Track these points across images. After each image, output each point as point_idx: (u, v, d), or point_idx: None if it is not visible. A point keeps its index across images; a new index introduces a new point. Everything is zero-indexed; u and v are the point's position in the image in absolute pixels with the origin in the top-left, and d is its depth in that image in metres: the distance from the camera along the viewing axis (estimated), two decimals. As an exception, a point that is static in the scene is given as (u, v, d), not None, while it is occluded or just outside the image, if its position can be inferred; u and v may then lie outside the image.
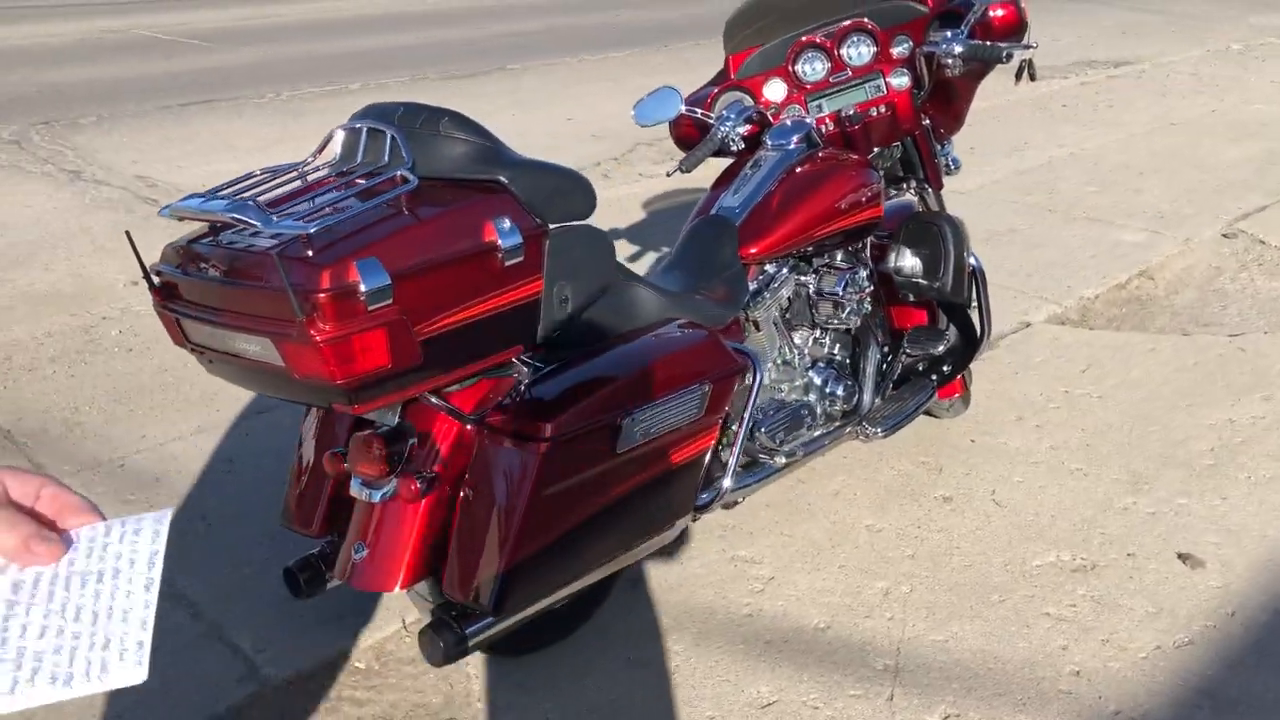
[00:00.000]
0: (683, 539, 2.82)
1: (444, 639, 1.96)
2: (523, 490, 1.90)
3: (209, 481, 3.10)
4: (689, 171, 2.81)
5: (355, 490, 2.00)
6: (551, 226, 1.95)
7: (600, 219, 2.10)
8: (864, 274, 2.76)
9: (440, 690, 2.34)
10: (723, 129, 2.77)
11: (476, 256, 1.82)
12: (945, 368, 3.00)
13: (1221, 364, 3.69)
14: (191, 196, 1.78)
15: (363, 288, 1.66)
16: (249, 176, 1.86)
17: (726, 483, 2.41)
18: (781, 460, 2.62)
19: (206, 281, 1.79)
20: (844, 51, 2.87)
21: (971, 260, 2.90)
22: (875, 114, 2.83)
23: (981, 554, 2.75)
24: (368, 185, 1.81)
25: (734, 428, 2.41)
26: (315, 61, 8.63)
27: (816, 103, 2.89)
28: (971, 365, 3.11)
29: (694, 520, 2.45)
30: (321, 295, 1.63)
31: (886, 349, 2.93)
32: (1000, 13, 2.88)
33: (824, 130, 2.84)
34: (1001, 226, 5.04)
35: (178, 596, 2.57)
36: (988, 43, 2.77)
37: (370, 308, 1.68)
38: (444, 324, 1.79)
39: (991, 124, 6.68)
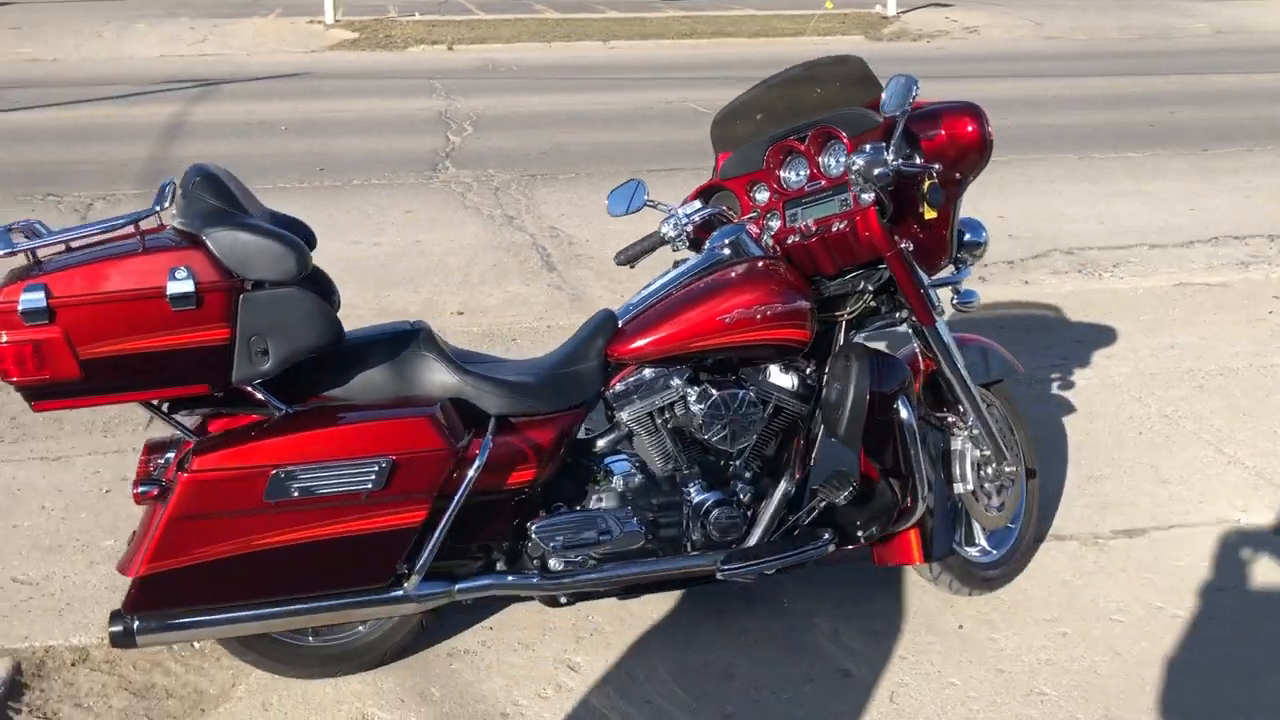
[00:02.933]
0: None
1: (115, 626, 2.38)
2: (164, 513, 2.27)
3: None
4: (625, 265, 2.92)
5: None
6: (250, 285, 2.27)
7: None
8: (745, 396, 2.67)
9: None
10: (663, 228, 2.85)
11: (142, 298, 2.20)
12: (858, 523, 2.76)
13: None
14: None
15: (19, 307, 2.14)
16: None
17: (421, 567, 2.50)
18: (536, 579, 2.65)
19: None
20: (823, 160, 2.79)
21: (902, 412, 2.66)
22: (836, 229, 2.69)
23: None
24: (110, 225, 2.30)
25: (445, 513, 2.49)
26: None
27: (793, 211, 2.84)
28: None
29: (422, 603, 2.56)
30: None
31: (794, 487, 2.78)
32: (940, 132, 2.61)
33: (789, 240, 2.77)
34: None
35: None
36: (889, 159, 2.55)
37: (27, 323, 2.15)
38: (109, 350, 2.20)
39: None
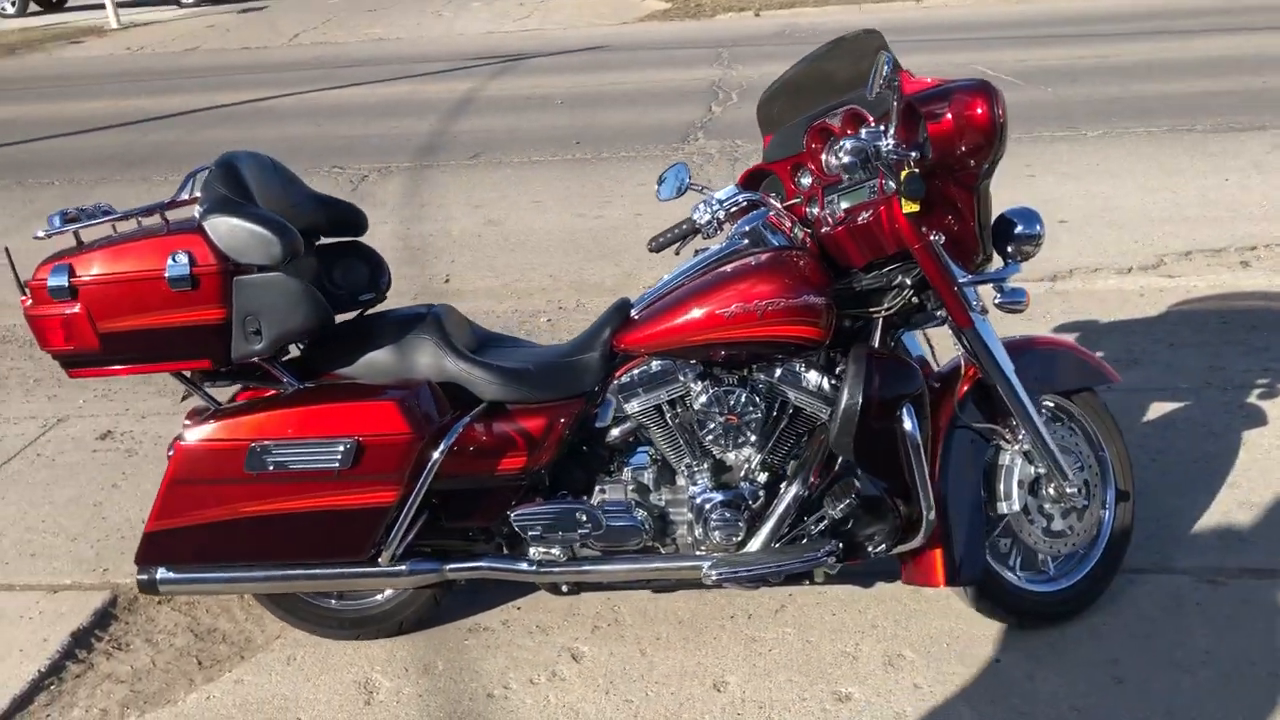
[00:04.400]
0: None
1: (142, 575, 2.62)
2: (164, 477, 2.47)
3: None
4: (656, 252, 2.86)
5: None
6: (242, 269, 2.42)
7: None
8: (743, 394, 2.54)
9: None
10: (695, 214, 2.77)
11: (146, 280, 2.41)
12: (864, 537, 2.56)
13: None
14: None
15: (49, 284, 2.40)
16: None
17: (393, 546, 2.59)
18: (525, 565, 2.66)
19: None
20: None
21: (905, 423, 2.44)
22: (862, 219, 2.50)
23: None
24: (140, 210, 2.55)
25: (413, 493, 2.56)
26: (1107, 104, 8.43)
27: (830, 198, 2.67)
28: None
29: (400, 573, 2.66)
30: (30, 284, 2.42)
31: (807, 493, 2.61)
32: (947, 115, 2.33)
33: (822, 230, 2.60)
34: None
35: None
36: (867, 146, 2.39)
37: (55, 300, 2.41)
38: (123, 325, 2.44)
39: None
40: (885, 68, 2.29)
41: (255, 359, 2.54)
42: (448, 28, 15.71)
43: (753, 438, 2.61)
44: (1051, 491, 2.72)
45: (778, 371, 2.60)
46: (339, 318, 2.77)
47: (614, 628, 2.90)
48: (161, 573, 2.66)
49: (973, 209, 2.47)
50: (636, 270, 5.63)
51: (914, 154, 2.38)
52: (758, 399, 2.59)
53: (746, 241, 2.66)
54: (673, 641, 2.84)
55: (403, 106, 10.15)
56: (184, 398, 2.72)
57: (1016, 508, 2.69)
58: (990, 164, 2.42)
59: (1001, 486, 2.69)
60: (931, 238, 2.49)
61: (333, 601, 2.88)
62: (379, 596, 2.88)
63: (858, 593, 2.95)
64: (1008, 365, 2.63)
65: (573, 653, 2.82)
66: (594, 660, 2.79)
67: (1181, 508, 3.25)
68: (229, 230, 2.44)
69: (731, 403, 2.57)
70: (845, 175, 2.48)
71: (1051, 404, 2.84)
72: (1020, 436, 2.68)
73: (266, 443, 2.49)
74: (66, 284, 2.45)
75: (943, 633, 2.79)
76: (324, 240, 2.87)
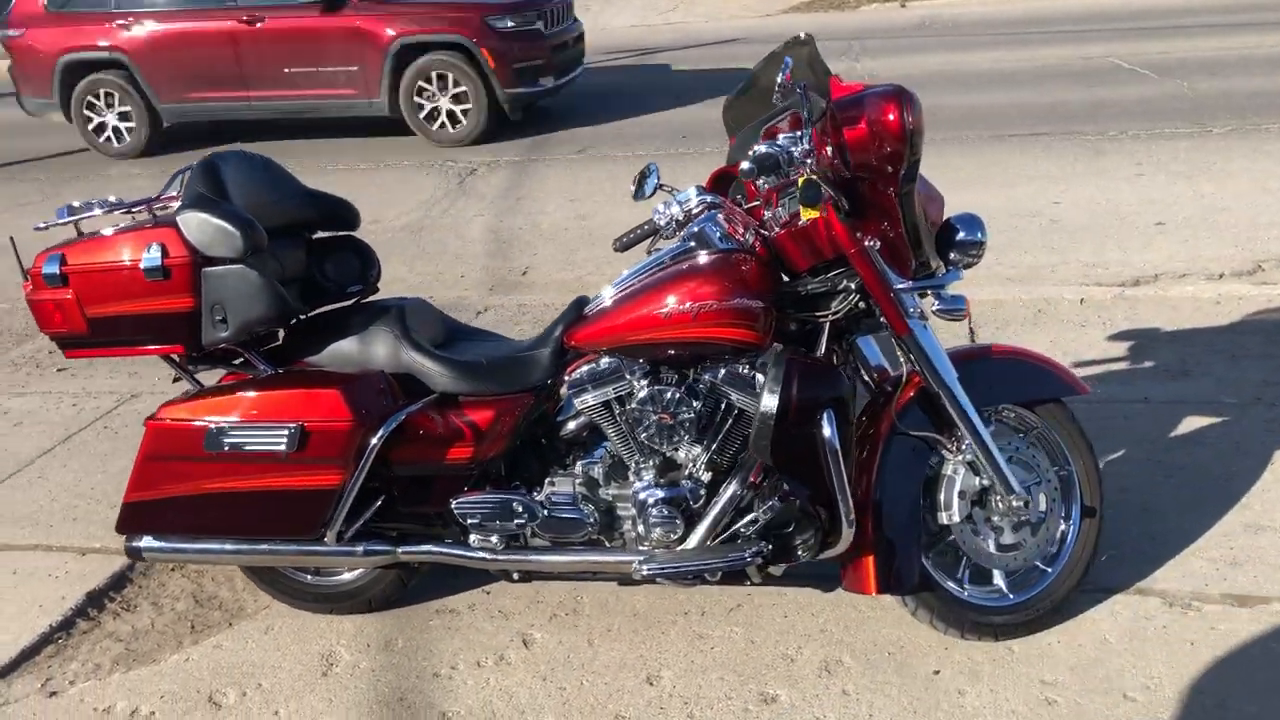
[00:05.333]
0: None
1: (130, 542, 2.82)
2: (138, 453, 2.68)
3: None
4: (621, 251, 2.90)
5: None
6: (211, 261, 2.60)
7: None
8: (676, 395, 2.57)
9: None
10: (655, 214, 2.80)
11: (123, 269, 2.61)
12: (791, 540, 2.57)
13: None
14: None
15: (44, 271, 2.63)
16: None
17: (336, 525, 2.72)
18: (466, 551, 2.75)
19: None
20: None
21: (824, 429, 2.44)
22: (801, 223, 2.51)
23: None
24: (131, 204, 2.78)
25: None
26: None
27: (783, 201, 2.69)
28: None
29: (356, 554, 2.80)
30: (31, 272, 2.65)
31: (745, 494, 2.63)
32: (862, 122, 2.32)
33: (770, 233, 2.62)
34: None
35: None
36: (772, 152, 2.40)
37: (48, 286, 2.64)
38: (106, 311, 2.65)
39: None
40: (782, 73, 2.29)
41: (225, 345, 2.71)
42: (593, 21, 15.90)
43: (688, 437, 2.63)
44: (999, 504, 2.66)
45: (721, 372, 2.62)
46: (331, 308, 2.94)
47: (570, 617, 2.98)
48: (146, 541, 2.87)
49: (897, 216, 2.44)
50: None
51: (811, 161, 2.37)
52: (696, 400, 2.62)
53: (693, 243, 2.68)
54: (622, 633, 2.89)
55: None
56: (175, 379, 2.92)
57: (957, 518, 2.64)
58: (907, 170, 2.38)
59: (942, 496, 2.65)
60: (866, 243, 2.47)
61: (308, 577, 3.05)
62: (349, 575, 3.03)
63: (815, 596, 2.94)
64: (950, 373, 2.58)
65: (525, 639, 2.91)
66: (542, 647, 2.87)
67: (1183, 527, 3.10)
68: (198, 225, 2.62)
69: (665, 402, 2.60)
70: (754, 180, 2.49)
71: (1013, 415, 2.77)
72: (964, 447, 2.62)
73: (222, 424, 2.67)
74: (58, 272, 2.68)
75: (889, 641, 2.76)
76: (319, 235, 3.03)
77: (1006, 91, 8.97)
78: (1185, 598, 2.82)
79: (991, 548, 2.70)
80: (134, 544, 2.88)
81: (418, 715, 2.67)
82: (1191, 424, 3.67)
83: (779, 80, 2.40)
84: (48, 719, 2.77)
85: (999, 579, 2.74)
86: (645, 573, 2.65)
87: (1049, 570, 2.75)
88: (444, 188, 7.66)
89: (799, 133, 2.46)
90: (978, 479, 2.65)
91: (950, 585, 2.70)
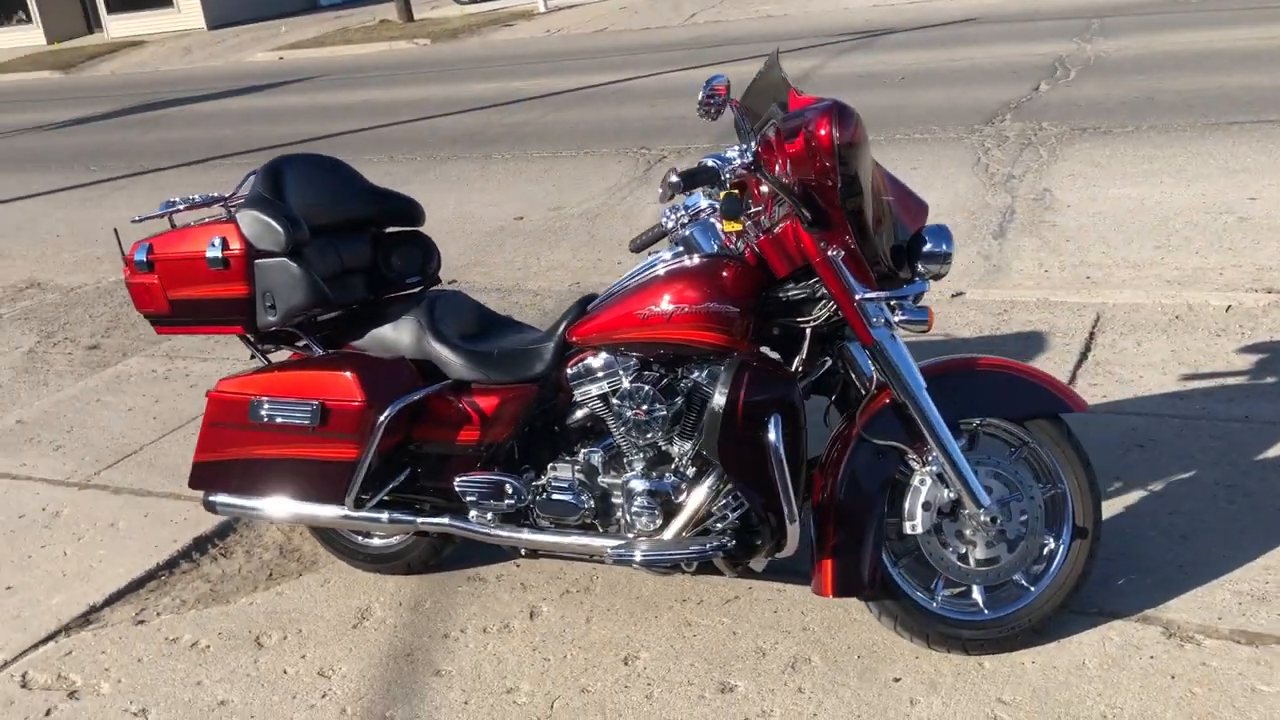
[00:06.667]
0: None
1: (208, 498, 3.23)
2: (204, 418, 3.07)
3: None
4: (636, 251, 3.04)
5: None
6: (262, 254, 2.93)
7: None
8: (652, 392, 2.69)
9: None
10: (663, 217, 2.93)
11: (194, 259, 2.98)
12: (750, 538, 2.65)
13: None
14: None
15: (135, 258, 3.06)
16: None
17: (353, 492, 2.97)
18: (469, 526, 2.95)
19: None
20: None
21: (769, 433, 2.52)
22: (776, 231, 2.58)
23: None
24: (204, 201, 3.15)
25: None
26: None
27: (777, 207, 2.77)
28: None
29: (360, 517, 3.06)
30: (127, 259, 3.09)
31: (724, 490, 2.72)
32: (799, 137, 2.35)
33: (751, 237, 2.71)
34: None
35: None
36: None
37: (139, 272, 3.06)
38: (183, 293, 3.04)
39: None
40: (705, 88, 2.36)
41: (276, 328, 3.06)
42: (834, 3, 15.78)
43: (664, 433, 2.74)
44: (970, 518, 2.62)
45: (702, 373, 2.72)
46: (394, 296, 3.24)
47: (580, 594, 3.15)
48: (220, 497, 3.26)
49: (845, 228, 2.47)
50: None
51: (728, 178, 2.45)
52: (674, 397, 2.72)
53: (682, 248, 2.78)
54: (619, 614, 3.04)
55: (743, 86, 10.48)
56: (251, 357, 3.30)
57: (920, 529, 2.63)
58: (844, 184, 2.40)
59: (907, 506, 2.64)
60: (830, 253, 2.51)
61: (359, 539, 3.37)
62: (393, 540, 3.33)
63: (809, 595, 2.97)
64: (917, 384, 2.57)
65: (533, 610, 3.11)
66: (545, 620, 3.07)
67: (1224, 554, 2.93)
68: (250, 221, 2.96)
69: (642, 398, 2.73)
70: (672, 196, 2.56)
71: (1003, 430, 2.71)
72: (930, 458, 2.61)
73: (261, 398, 3.01)
74: (146, 259, 3.10)
75: (864, 645, 2.78)
76: (390, 229, 3.33)
77: (1246, 73, 8.29)
78: (1190, 630, 2.68)
79: (957, 560, 2.67)
80: (210, 499, 3.28)
81: (417, 670, 2.93)
82: (1285, 447, 3.42)
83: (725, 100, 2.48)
84: (128, 643, 3.22)
85: (977, 593, 2.70)
86: (612, 559, 2.79)
87: (1031, 589, 2.69)
88: (630, 175, 7.92)
89: (743, 146, 2.53)
90: (946, 491, 2.62)
91: (918, 595, 2.69)
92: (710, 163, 2.55)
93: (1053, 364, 4.19)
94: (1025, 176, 6.64)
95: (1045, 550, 2.70)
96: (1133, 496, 3.26)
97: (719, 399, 2.56)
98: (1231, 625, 2.68)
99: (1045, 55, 9.89)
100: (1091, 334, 4.45)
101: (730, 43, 13.51)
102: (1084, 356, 4.25)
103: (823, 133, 2.35)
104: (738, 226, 2.52)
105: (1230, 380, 3.91)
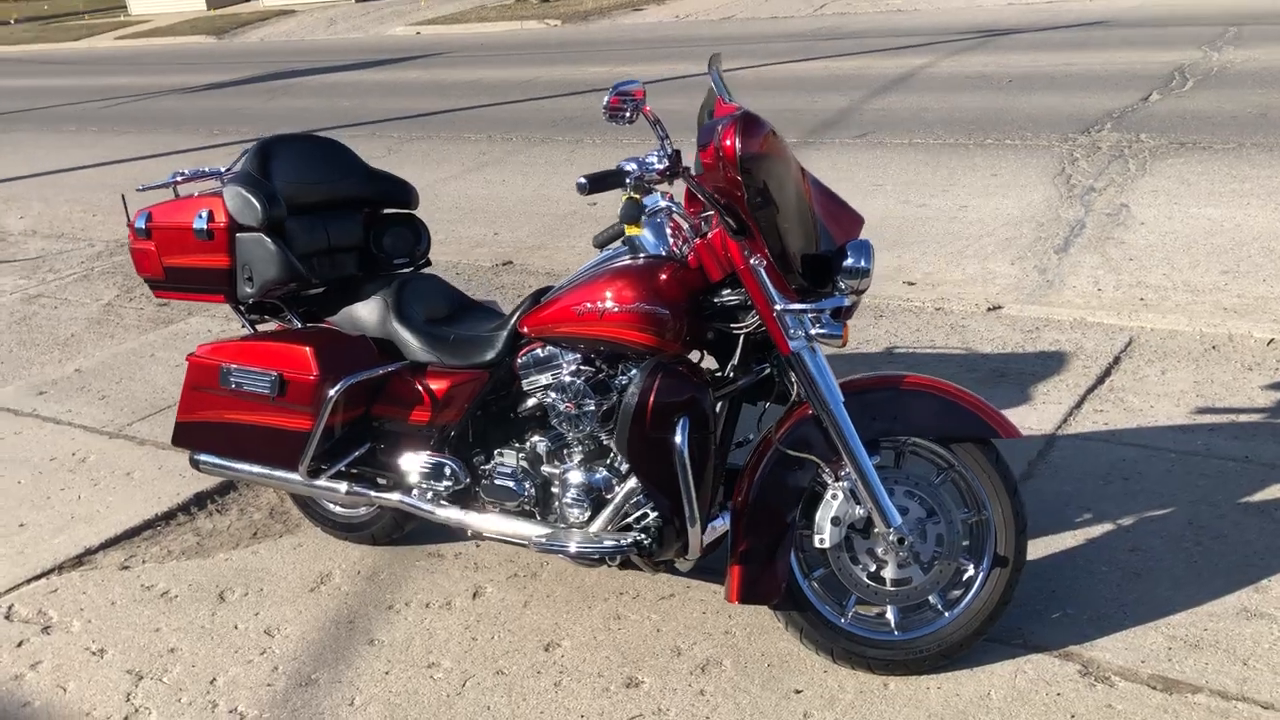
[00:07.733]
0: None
1: (193, 455, 3.39)
2: (184, 381, 3.24)
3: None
4: (599, 248, 3.07)
5: None
6: (243, 228, 3.08)
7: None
8: (579, 387, 2.73)
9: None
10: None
11: (184, 229, 3.15)
12: (662, 536, 2.67)
13: None
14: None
15: (136, 225, 3.24)
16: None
17: (306, 462, 3.08)
18: (413, 502, 3.03)
19: None
20: None
21: (675, 435, 2.54)
22: (708, 237, 2.60)
23: None
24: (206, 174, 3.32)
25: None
26: None
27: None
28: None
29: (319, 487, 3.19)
30: (130, 225, 3.28)
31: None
32: (710, 146, 2.39)
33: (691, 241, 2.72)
34: None
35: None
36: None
37: (139, 238, 3.24)
38: (175, 261, 3.21)
39: None
40: (612, 92, 2.39)
41: (254, 300, 3.21)
42: (966, 0, 15.40)
43: (584, 425, 2.77)
44: (881, 537, 2.59)
45: (634, 371, 2.75)
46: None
47: (526, 579, 3.22)
48: (203, 456, 3.44)
49: (759, 239, 2.46)
50: (912, 264, 5.56)
51: (628, 180, 2.46)
52: (607, 393, 2.76)
53: (625, 248, 2.81)
54: (556, 601, 3.10)
55: (846, 81, 10.38)
56: (241, 325, 3.46)
57: (829, 543, 2.60)
58: (751, 195, 2.39)
59: (818, 519, 2.62)
60: (753, 262, 2.51)
61: (330, 506, 3.50)
62: (359, 510, 3.45)
63: (743, 600, 2.98)
64: (834, 398, 2.55)
65: (477, 590, 3.19)
66: (486, 600, 3.14)
67: (1171, 598, 2.83)
68: (234, 196, 3.11)
69: (573, 391, 2.77)
70: (585, 194, 2.57)
71: (930, 452, 2.67)
72: (843, 474, 2.58)
73: (229, 366, 3.16)
74: (145, 227, 3.28)
75: (778, 655, 2.77)
76: (385, 211, 3.45)
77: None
78: (1108, 670, 2.60)
79: (866, 578, 2.64)
80: (195, 457, 3.46)
81: (354, 638, 3.04)
82: (1274, 493, 3.26)
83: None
84: (108, 586, 3.42)
85: (891, 614, 2.67)
86: (541, 547, 2.84)
87: (945, 614, 2.64)
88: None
89: (660, 151, 2.54)
90: (857, 508, 2.60)
91: (826, 609, 2.67)
92: (629, 166, 2.57)
93: (1063, 387, 4.06)
94: (1106, 190, 6.41)
95: (965, 576, 2.65)
96: (1096, 530, 3.16)
97: (629, 397, 2.58)
98: (1152, 670, 2.58)
99: (1166, 63, 9.48)
100: (1117, 359, 4.29)
101: (851, 36, 13.33)
102: (1100, 381, 4.10)
103: (728, 143, 2.35)
104: (638, 230, 2.53)
105: (1244, 417, 3.74)
